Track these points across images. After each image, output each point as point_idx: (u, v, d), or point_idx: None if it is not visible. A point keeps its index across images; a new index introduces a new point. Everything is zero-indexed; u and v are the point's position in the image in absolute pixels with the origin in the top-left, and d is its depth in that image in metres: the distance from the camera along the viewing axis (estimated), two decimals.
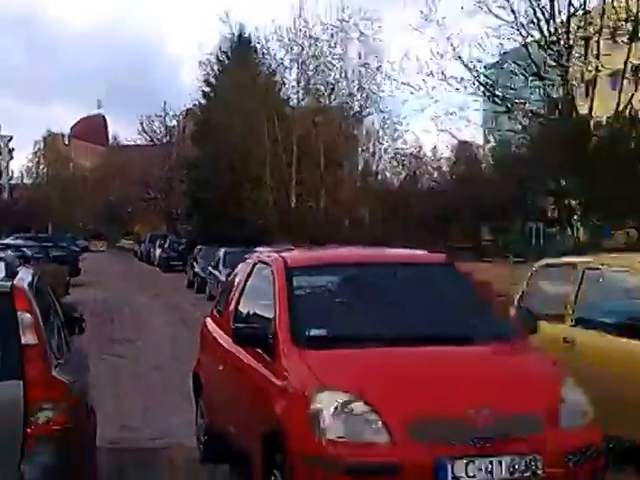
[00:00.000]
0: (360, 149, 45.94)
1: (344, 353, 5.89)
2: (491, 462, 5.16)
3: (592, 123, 26.13)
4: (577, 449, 5.41)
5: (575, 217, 26.04)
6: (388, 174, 50.13)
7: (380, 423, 5.22)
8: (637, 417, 7.04)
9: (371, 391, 5.39)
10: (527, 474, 5.22)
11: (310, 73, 43.14)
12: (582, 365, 7.27)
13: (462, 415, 5.25)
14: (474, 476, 5.14)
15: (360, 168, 46.55)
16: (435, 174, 55.04)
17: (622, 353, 7.44)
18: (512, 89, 25.93)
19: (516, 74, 25.80)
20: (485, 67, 27.15)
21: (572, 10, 24.26)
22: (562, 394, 5.64)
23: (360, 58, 41.63)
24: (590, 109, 25.34)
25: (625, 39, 24.89)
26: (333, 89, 42.99)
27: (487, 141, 35.58)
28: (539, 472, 5.23)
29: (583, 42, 24.88)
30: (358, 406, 5.30)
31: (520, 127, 27.24)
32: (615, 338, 7.52)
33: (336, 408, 5.28)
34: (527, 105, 26.20)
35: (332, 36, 41.50)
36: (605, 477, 5.69)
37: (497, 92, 26.13)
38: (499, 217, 50.68)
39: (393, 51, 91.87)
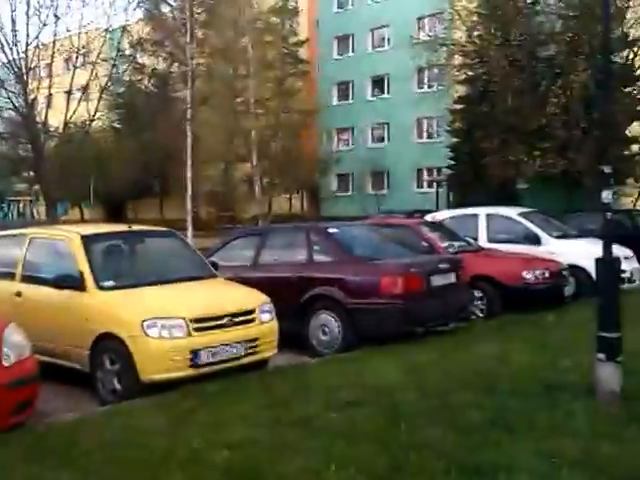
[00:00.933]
0: None
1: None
2: None
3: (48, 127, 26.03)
4: (15, 379, 5.17)
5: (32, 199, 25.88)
6: None
7: None
8: (65, 344, 7.07)
9: None
10: None
11: None
12: (29, 312, 7.09)
13: None
14: None
15: None
16: None
17: (53, 301, 7.23)
18: None
19: None
20: None
21: (29, 42, 23.59)
22: (3, 339, 5.31)
23: None
24: (46, 116, 25.10)
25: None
26: None
27: None
28: None
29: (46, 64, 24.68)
30: None
31: None
32: (49, 289, 7.21)
33: None
34: None
35: None
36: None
37: None
38: None
39: None
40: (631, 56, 25.15)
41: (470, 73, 29.24)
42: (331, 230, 9.59)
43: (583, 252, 11.76)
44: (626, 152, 25.26)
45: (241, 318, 6.95)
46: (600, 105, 6.94)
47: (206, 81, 37.33)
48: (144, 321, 6.38)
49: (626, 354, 5.65)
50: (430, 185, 38.01)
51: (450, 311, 9.14)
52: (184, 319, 6.50)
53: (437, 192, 33.90)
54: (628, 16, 23.88)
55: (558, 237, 12.89)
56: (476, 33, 27.77)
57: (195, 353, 6.46)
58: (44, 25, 23.38)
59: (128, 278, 7.26)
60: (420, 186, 40.54)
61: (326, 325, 8.62)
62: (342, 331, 8.48)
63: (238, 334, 6.84)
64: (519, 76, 25.40)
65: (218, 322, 6.72)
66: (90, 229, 8.28)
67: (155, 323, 6.39)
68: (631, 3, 23.86)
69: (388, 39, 41.39)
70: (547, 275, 10.91)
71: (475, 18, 27.66)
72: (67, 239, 7.52)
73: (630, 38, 24.46)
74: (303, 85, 43.40)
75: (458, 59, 29.14)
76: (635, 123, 25.47)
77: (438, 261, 9.56)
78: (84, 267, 7.05)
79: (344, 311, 8.46)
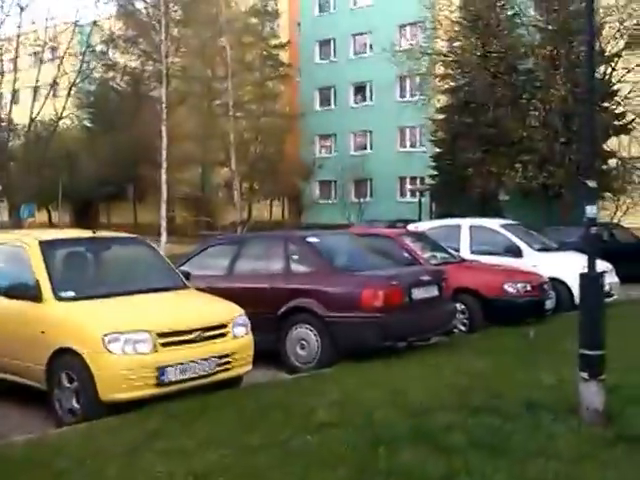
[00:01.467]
0: None
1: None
2: None
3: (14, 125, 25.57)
4: None
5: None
6: None
7: None
8: (19, 359, 6.66)
9: None
10: None
11: None
12: None
13: None
14: None
15: None
16: None
17: (6, 312, 6.83)
18: None
19: None
20: None
21: None
22: None
23: None
24: (10, 112, 24.70)
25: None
26: None
27: None
28: None
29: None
30: None
31: None
32: (2, 298, 6.82)
33: None
34: None
35: None
36: None
37: None
38: None
39: None
40: (609, 71, 25.33)
41: (452, 83, 29.26)
42: (310, 239, 9.24)
43: (564, 265, 11.99)
44: (604, 167, 25.40)
45: (213, 332, 6.59)
46: (585, 119, 6.72)
47: (183, 81, 36.92)
48: (105, 335, 5.98)
49: (609, 371, 5.49)
50: (413, 194, 37.92)
51: (432, 325, 8.89)
52: (150, 333, 6.12)
53: (420, 202, 33.80)
54: (605, 32, 24.03)
55: (540, 250, 12.97)
56: (457, 44, 27.86)
57: (161, 370, 6.09)
58: (7, 16, 22.94)
59: (90, 288, 6.85)
60: (403, 195, 40.45)
61: (304, 339, 8.32)
62: (320, 345, 8.18)
63: (209, 349, 6.48)
64: (500, 88, 25.50)
65: (187, 337, 6.35)
66: (50, 234, 7.88)
67: (118, 337, 6.01)
68: (607, 19, 24.02)
69: (370, 46, 41.26)
70: (529, 288, 10.93)
71: (457, 28, 27.73)
72: (24, 245, 7.07)
73: (607, 54, 24.61)
74: (284, 89, 43.07)
75: (440, 69, 29.15)
76: (613, 138, 25.71)
77: (420, 273, 9.31)
78: (41, 275, 6.61)
79: (323, 324, 8.17)
